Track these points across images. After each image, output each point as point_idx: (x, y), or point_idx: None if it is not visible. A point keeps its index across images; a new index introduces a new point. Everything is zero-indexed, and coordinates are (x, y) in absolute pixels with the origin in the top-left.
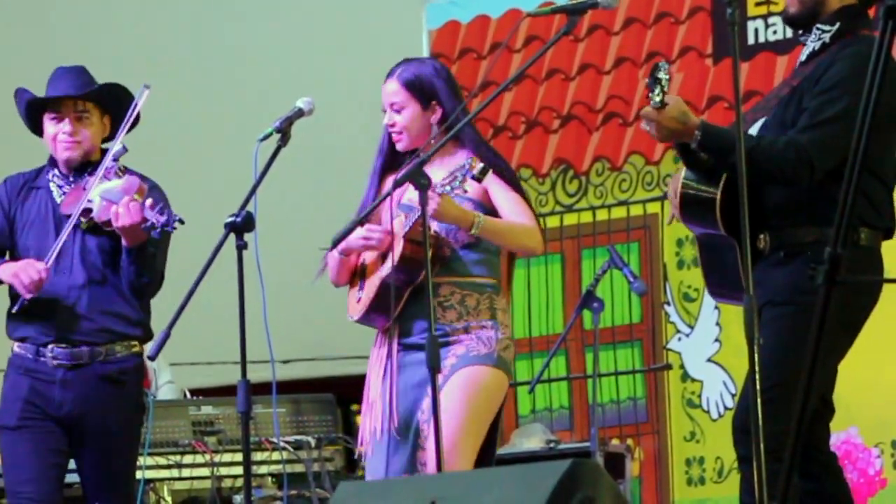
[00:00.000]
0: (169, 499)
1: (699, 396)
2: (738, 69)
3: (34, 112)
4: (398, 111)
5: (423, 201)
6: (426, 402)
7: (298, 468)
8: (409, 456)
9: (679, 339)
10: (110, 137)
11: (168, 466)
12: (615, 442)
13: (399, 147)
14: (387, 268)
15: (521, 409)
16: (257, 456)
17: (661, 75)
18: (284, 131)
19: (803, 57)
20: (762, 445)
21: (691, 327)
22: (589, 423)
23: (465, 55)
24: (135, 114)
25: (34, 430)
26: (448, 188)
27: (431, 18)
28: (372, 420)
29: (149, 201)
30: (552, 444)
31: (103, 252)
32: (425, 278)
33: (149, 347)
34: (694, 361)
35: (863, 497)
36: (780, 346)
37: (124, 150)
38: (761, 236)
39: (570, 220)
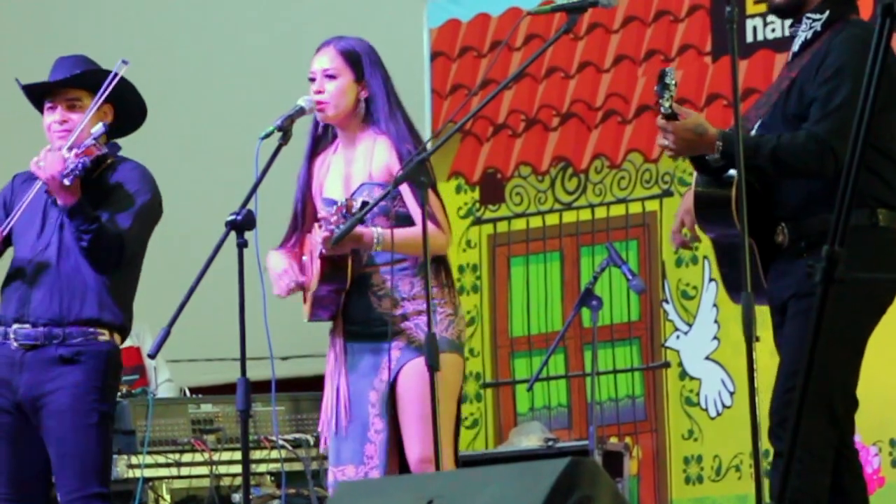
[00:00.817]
0: (168, 497)
1: (697, 395)
2: (736, 67)
3: (39, 103)
4: (331, 77)
5: (423, 200)
6: (374, 396)
7: (297, 466)
8: (358, 446)
9: (677, 336)
10: (119, 126)
11: (167, 465)
12: (613, 440)
13: (320, 117)
14: (313, 285)
15: (520, 407)
16: (256, 454)
17: (669, 81)
18: (286, 129)
19: (796, 48)
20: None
21: (690, 325)
22: (587, 421)
23: (465, 53)
24: (111, 87)
25: (8, 424)
26: (336, 228)
27: (432, 17)
28: (326, 409)
29: (73, 151)
30: (550, 443)
31: None
32: (356, 273)
33: (145, 345)
34: (692, 359)
35: None
36: (823, 343)
37: (104, 128)
38: (779, 229)
39: (569, 217)
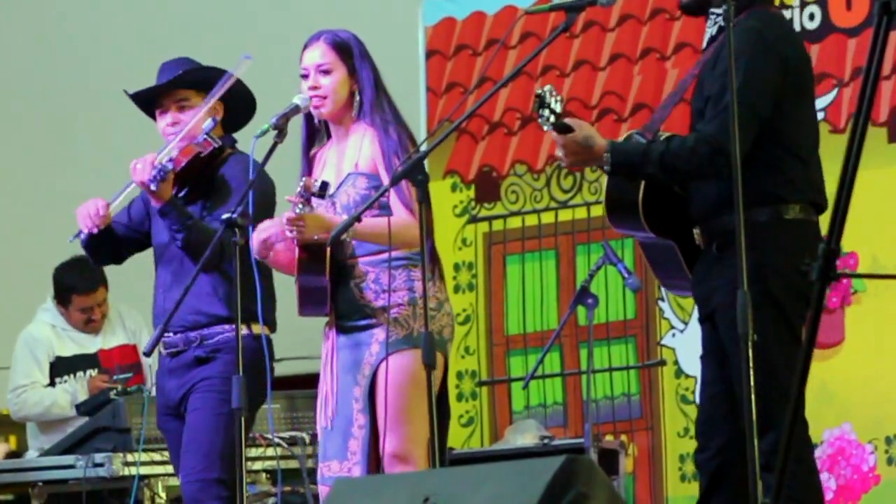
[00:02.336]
0: (163, 495)
1: (693, 392)
2: (732, 65)
3: (151, 111)
4: (325, 72)
5: (423, 197)
6: (357, 391)
7: (293, 464)
8: (342, 441)
9: (673, 334)
10: (230, 123)
11: (162, 462)
12: (609, 438)
13: (318, 113)
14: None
15: (515, 405)
16: (251, 452)
17: (548, 100)
18: (281, 127)
19: (704, 44)
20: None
21: (685, 323)
22: (583, 419)
23: (460, 51)
24: (229, 83)
25: (168, 436)
26: (298, 209)
27: (427, 15)
28: (320, 406)
29: (164, 154)
30: (546, 441)
31: None
32: (341, 260)
33: (142, 342)
34: (688, 357)
35: (856, 494)
36: (769, 348)
37: (214, 122)
38: (695, 231)
39: (564, 215)
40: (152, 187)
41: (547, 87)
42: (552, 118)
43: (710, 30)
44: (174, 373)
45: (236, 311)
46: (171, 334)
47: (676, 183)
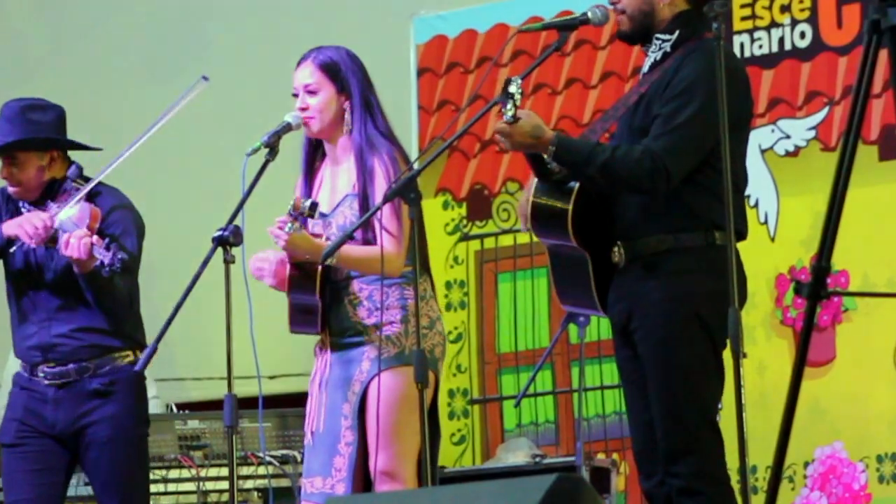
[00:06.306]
0: None
1: None
2: (723, 84)
3: None
4: (312, 93)
5: (415, 215)
6: (347, 408)
7: (284, 483)
8: (327, 458)
9: None
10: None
11: (154, 481)
12: (601, 456)
13: (308, 132)
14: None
15: (507, 423)
16: (243, 470)
17: (513, 89)
18: (272, 145)
19: (646, 68)
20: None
21: None
22: (575, 437)
23: (452, 69)
24: (183, 102)
25: (32, 447)
26: (288, 227)
27: (419, 33)
28: (308, 421)
29: (96, 238)
30: (538, 459)
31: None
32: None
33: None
34: None
35: None
36: (695, 371)
37: (77, 169)
38: (615, 249)
39: None
40: (103, 273)
41: (515, 79)
42: (512, 111)
43: (655, 55)
44: (62, 404)
45: (132, 340)
46: (54, 365)
47: (612, 191)
